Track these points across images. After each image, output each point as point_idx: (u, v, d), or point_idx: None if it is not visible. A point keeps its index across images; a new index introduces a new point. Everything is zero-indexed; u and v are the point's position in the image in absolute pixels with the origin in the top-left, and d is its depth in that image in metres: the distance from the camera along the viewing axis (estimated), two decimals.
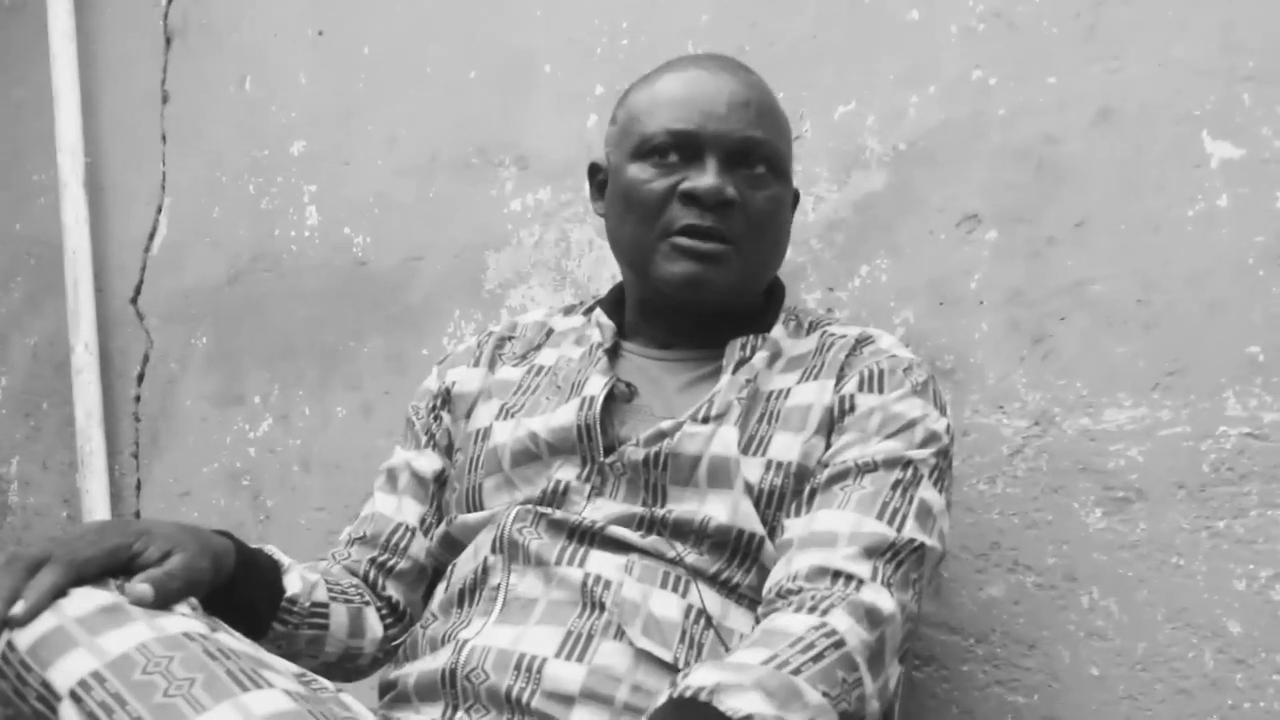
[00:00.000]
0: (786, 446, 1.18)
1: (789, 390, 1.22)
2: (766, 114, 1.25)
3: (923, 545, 1.11)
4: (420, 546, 1.32)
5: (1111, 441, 1.36)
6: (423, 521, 1.33)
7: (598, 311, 1.35)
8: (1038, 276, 1.43)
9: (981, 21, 1.49)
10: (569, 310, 1.41)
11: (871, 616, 1.04)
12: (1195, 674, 1.30)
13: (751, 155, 1.23)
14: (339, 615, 1.23)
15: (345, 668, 1.27)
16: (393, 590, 1.31)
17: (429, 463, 1.34)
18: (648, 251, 1.24)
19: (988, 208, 1.47)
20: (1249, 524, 1.28)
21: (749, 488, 1.16)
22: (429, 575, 1.33)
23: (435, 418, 1.36)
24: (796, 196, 1.34)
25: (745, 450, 1.17)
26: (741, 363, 1.23)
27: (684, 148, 1.22)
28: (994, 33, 1.48)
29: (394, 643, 1.30)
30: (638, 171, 1.24)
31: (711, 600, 1.14)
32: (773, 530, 1.16)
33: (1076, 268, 1.40)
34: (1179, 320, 1.34)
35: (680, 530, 1.15)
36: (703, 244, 1.21)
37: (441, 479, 1.34)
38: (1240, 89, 1.33)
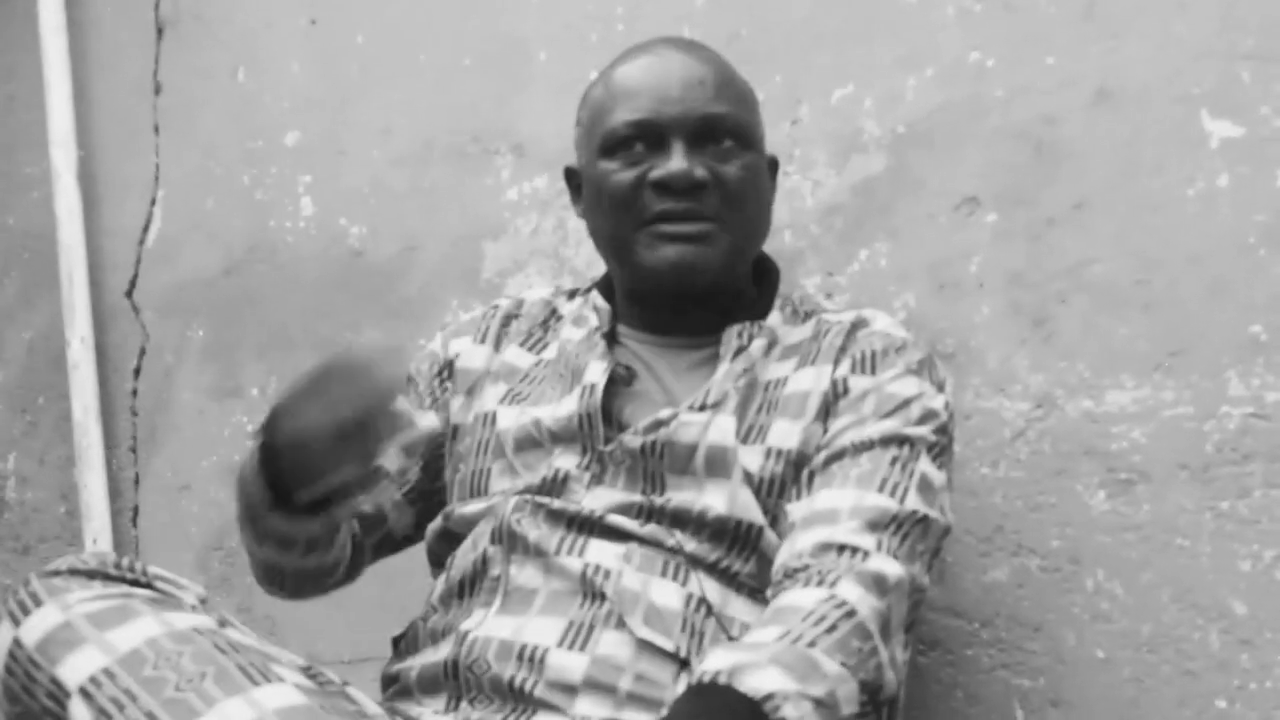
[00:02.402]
0: (785, 433, 1.17)
1: (787, 378, 1.21)
2: (725, 87, 1.24)
3: (926, 517, 1.12)
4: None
5: (1114, 423, 1.36)
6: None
7: (594, 294, 1.34)
8: (1038, 259, 1.42)
9: (979, 2, 1.48)
10: (572, 294, 1.40)
11: (880, 584, 1.04)
12: (1201, 655, 1.30)
13: (716, 131, 1.22)
14: None
15: (321, 581, 1.28)
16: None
17: (428, 422, 1.32)
18: (627, 244, 1.23)
19: (987, 190, 1.46)
20: (1253, 504, 1.28)
21: (748, 477, 1.15)
22: (387, 527, 1.34)
23: (440, 382, 1.35)
24: (774, 164, 1.33)
25: (744, 439, 1.17)
26: (739, 351, 1.23)
27: (647, 137, 1.21)
28: (991, 14, 1.47)
29: (343, 575, 1.31)
30: (606, 166, 1.23)
31: (711, 588, 1.14)
32: (775, 519, 1.16)
33: (1076, 249, 1.40)
34: (1180, 301, 1.34)
35: (679, 519, 1.15)
36: (685, 226, 1.20)
37: (436, 441, 1.33)
38: (1240, 67, 1.32)
